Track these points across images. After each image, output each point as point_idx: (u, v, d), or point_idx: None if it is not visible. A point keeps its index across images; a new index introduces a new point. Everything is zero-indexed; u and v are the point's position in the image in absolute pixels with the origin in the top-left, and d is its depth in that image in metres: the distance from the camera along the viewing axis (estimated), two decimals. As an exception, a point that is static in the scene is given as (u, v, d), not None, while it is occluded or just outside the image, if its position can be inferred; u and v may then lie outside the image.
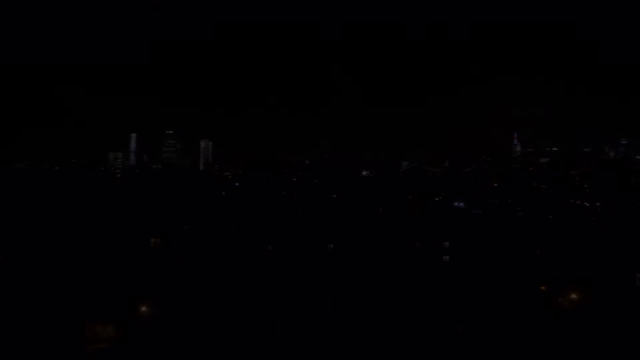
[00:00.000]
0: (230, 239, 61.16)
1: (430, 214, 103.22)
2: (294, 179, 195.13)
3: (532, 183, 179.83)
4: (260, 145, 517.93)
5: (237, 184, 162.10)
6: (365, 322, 36.62)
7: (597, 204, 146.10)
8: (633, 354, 33.54)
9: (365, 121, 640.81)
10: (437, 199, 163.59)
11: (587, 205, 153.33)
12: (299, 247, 55.14)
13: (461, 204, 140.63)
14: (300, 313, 37.55)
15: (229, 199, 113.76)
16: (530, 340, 35.14)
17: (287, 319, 36.37)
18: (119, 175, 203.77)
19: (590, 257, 55.68)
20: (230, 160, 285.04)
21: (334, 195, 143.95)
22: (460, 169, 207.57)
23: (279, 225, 62.96)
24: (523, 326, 37.43)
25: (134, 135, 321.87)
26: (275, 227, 61.46)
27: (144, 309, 37.72)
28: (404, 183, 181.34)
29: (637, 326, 36.75)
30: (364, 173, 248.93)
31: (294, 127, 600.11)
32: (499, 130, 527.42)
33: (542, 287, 56.91)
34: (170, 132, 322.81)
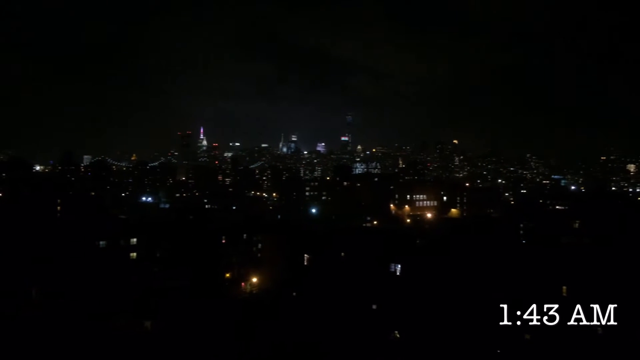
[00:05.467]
0: None
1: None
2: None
3: (217, 176, 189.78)
4: None
5: None
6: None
7: (274, 194, 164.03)
8: None
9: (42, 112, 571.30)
10: (124, 194, 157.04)
11: (265, 195, 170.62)
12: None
13: (149, 198, 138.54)
14: None
15: None
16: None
17: None
18: None
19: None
20: None
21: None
22: (147, 163, 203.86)
23: None
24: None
25: None
26: None
27: None
28: (88, 178, 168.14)
29: None
30: (37, 168, 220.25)
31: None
32: (187, 125, 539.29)
33: (227, 275, 60.88)
34: None
